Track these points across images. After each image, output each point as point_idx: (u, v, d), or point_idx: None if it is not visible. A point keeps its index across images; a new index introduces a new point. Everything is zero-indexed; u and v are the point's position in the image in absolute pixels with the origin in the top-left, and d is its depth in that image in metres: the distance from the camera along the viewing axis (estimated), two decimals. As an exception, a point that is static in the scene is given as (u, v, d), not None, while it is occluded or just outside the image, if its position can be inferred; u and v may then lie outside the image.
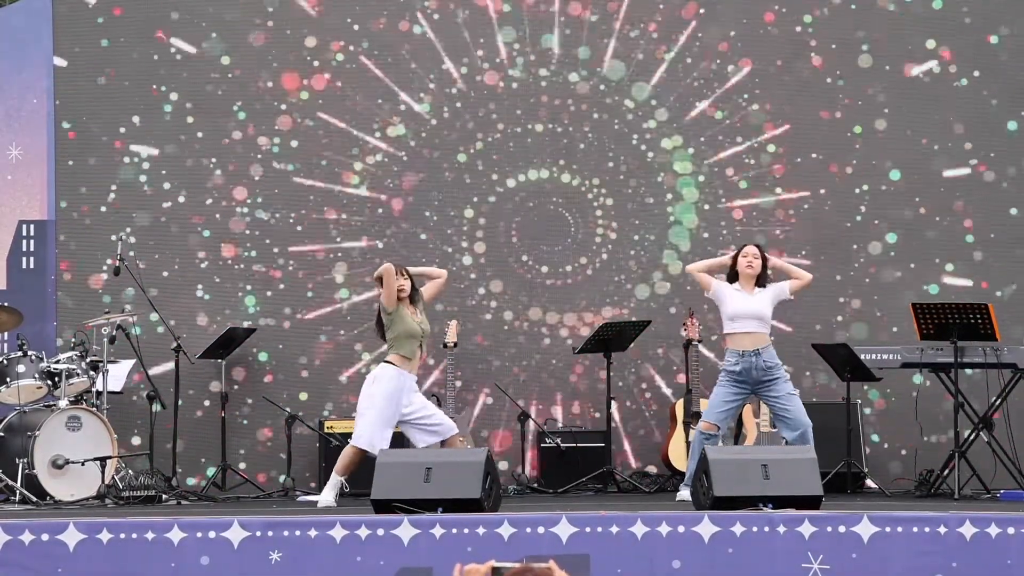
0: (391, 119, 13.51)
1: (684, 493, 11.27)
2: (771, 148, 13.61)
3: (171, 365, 12.77)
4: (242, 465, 13.10)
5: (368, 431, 10.90)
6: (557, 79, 13.65)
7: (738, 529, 9.17)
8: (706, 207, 13.59)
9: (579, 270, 13.58)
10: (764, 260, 11.47)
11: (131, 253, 12.86)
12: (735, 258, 11.50)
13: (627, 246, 13.60)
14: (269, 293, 13.45)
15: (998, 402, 12.02)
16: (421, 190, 13.58)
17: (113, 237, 13.02)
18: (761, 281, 11.44)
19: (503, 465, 13.04)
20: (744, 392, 11.30)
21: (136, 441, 12.98)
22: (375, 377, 11.04)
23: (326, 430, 12.90)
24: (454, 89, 13.61)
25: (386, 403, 10.90)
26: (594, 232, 13.60)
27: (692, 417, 12.52)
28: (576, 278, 13.58)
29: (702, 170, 13.62)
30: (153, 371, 12.55)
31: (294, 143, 13.50)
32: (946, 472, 11.93)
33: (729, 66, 13.62)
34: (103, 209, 13.36)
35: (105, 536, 9.04)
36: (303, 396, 13.35)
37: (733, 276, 11.46)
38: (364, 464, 10.87)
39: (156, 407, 12.25)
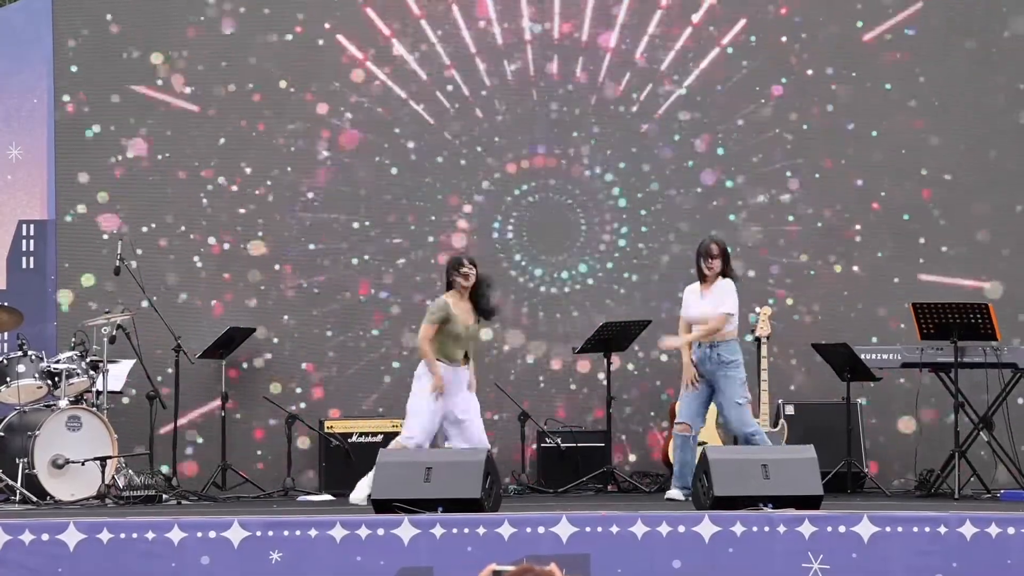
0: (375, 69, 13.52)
1: (674, 493, 11.38)
2: (789, 144, 13.57)
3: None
4: (242, 465, 13.09)
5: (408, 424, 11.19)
6: (573, 60, 13.57)
7: (738, 529, 9.18)
8: (714, 210, 13.55)
9: (579, 277, 13.53)
10: (724, 254, 11.50)
11: (137, 251, 12.83)
12: (697, 257, 11.56)
13: (632, 254, 13.55)
14: (269, 291, 13.44)
15: (998, 402, 12.02)
16: (413, 170, 13.55)
17: (106, 236, 13.11)
18: (725, 270, 11.52)
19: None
20: (705, 383, 11.42)
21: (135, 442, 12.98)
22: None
23: (326, 430, 12.90)
24: (454, 56, 13.52)
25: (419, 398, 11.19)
26: (600, 234, 13.57)
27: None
28: (575, 285, 13.54)
29: (724, 169, 13.57)
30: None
31: (295, 137, 13.49)
32: (946, 472, 11.94)
33: (754, 62, 13.57)
34: (103, 209, 13.35)
35: (105, 536, 9.06)
36: (303, 395, 13.34)
37: (700, 275, 11.56)
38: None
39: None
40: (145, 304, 12.74)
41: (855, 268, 13.51)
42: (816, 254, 13.51)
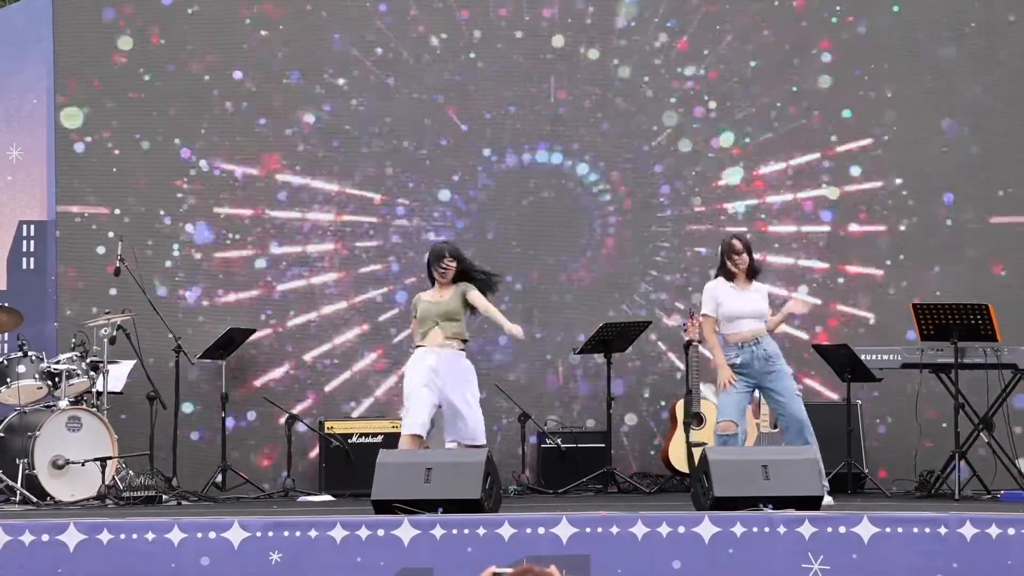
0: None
1: None
2: (804, 146, 13.52)
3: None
4: (241, 466, 13.08)
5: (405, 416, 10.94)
6: (576, 51, 13.51)
7: (738, 529, 9.18)
8: (722, 210, 13.52)
9: (579, 278, 13.52)
10: (749, 250, 11.40)
11: (119, 239, 12.82)
12: (723, 256, 11.41)
13: (634, 255, 13.51)
14: (269, 292, 13.44)
15: (998, 403, 12.02)
16: (410, 168, 13.53)
17: (111, 235, 13.11)
18: (752, 271, 11.39)
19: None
20: (749, 382, 11.22)
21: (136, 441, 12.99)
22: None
23: (326, 430, 12.90)
24: (452, 47, 13.47)
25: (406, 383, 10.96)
26: (603, 234, 13.54)
27: (692, 418, 12.51)
28: (573, 287, 13.52)
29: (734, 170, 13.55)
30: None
31: (288, 128, 13.47)
32: (946, 472, 11.94)
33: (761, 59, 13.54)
34: (102, 209, 13.35)
35: (105, 536, 9.06)
36: (303, 396, 13.35)
37: (727, 274, 11.37)
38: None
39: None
40: (114, 292, 12.78)
41: (860, 269, 13.50)
42: (822, 255, 13.49)
